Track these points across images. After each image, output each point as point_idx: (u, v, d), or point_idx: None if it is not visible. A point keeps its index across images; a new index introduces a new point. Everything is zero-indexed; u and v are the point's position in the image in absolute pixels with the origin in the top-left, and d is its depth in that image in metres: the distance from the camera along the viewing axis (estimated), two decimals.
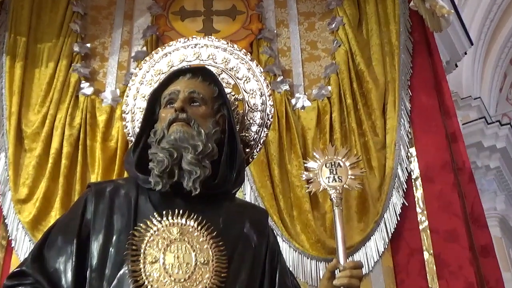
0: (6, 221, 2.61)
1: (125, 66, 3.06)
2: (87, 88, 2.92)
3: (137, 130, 1.92)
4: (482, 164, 7.13)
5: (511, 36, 7.97)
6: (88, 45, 3.09)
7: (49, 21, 3.09)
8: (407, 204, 2.64)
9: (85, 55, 3.06)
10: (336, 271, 1.64)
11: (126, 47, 3.12)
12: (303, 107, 2.89)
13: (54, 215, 2.57)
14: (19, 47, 2.94)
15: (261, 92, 2.00)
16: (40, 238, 1.70)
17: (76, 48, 3.02)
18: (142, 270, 1.50)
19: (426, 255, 2.53)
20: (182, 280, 1.50)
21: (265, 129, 1.97)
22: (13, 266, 2.50)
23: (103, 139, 2.78)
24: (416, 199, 2.66)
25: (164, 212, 1.58)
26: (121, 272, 1.52)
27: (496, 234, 6.52)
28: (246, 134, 1.96)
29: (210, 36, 2.16)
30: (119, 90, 2.94)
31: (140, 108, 1.98)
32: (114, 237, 1.58)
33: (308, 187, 1.87)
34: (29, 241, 2.54)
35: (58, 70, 2.94)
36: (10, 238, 2.59)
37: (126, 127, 2.02)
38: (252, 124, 1.96)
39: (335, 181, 1.82)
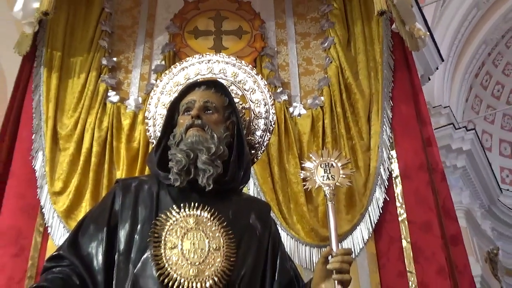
0: (43, 210, 2.60)
1: (146, 77, 3.05)
2: (113, 96, 2.91)
3: (158, 133, 1.93)
4: (450, 164, 7.14)
5: (475, 54, 8.02)
6: (115, 59, 3.08)
7: (81, 38, 3.08)
8: (388, 199, 2.64)
9: (111, 67, 3.05)
10: (329, 257, 1.65)
11: (147, 61, 3.11)
12: (299, 115, 2.88)
13: (85, 205, 2.57)
14: (55, 60, 2.93)
15: (265, 102, 2.00)
16: (74, 226, 1.70)
17: (104, 62, 3.02)
18: (163, 254, 1.50)
19: (404, 243, 2.53)
20: (197, 263, 1.50)
21: (268, 134, 1.98)
22: (49, 249, 2.50)
23: (127, 141, 2.77)
24: (396, 194, 2.65)
25: (181, 205, 1.59)
26: (144, 256, 1.52)
27: (462, 224, 6.51)
28: (252, 138, 1.97)
29: (221, 53, 2.17)
30: (141, 98, 2.94)
31: (160, 114, 1.99)
32: (139, 226, 1.59)
33: (305, 184, 1.87)
34: (63, 228, 2.53)
35: (89, 80, 2.94)
36: (46, 225, 2.58)
37: (148, 131, 2.03)
38: (257, 129, 1.97)
39: (329, 179, 1.82)
